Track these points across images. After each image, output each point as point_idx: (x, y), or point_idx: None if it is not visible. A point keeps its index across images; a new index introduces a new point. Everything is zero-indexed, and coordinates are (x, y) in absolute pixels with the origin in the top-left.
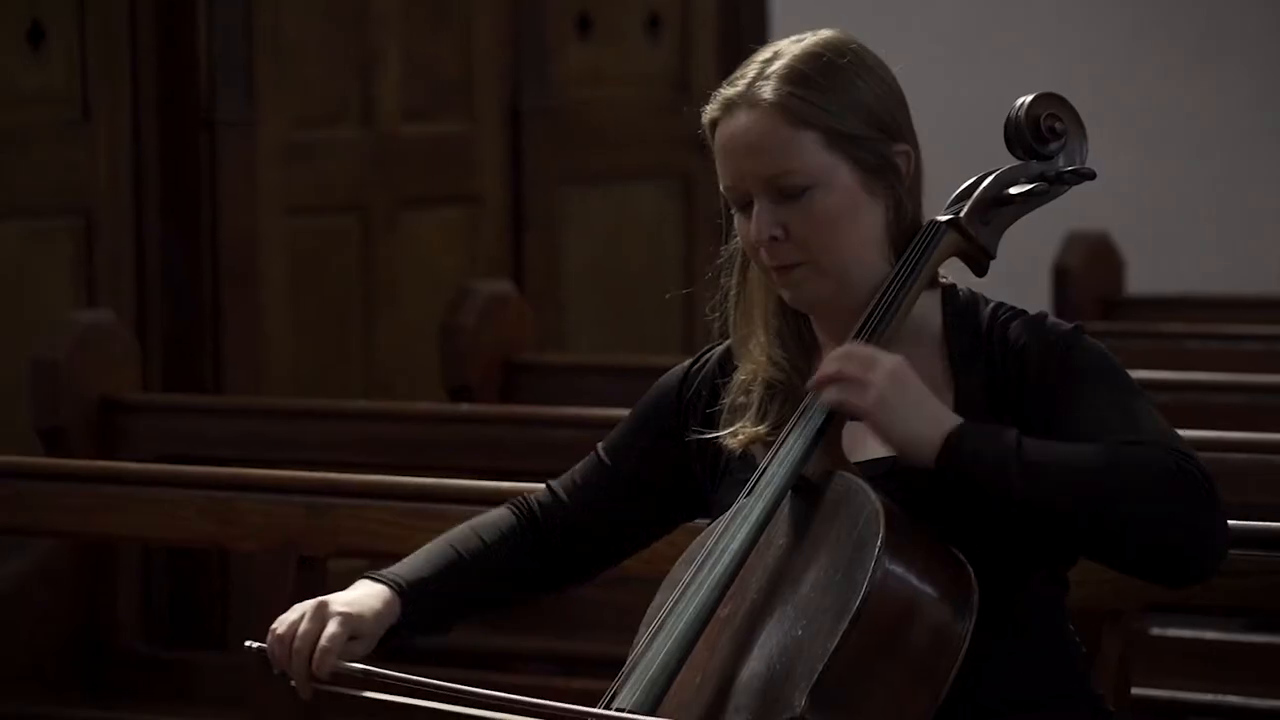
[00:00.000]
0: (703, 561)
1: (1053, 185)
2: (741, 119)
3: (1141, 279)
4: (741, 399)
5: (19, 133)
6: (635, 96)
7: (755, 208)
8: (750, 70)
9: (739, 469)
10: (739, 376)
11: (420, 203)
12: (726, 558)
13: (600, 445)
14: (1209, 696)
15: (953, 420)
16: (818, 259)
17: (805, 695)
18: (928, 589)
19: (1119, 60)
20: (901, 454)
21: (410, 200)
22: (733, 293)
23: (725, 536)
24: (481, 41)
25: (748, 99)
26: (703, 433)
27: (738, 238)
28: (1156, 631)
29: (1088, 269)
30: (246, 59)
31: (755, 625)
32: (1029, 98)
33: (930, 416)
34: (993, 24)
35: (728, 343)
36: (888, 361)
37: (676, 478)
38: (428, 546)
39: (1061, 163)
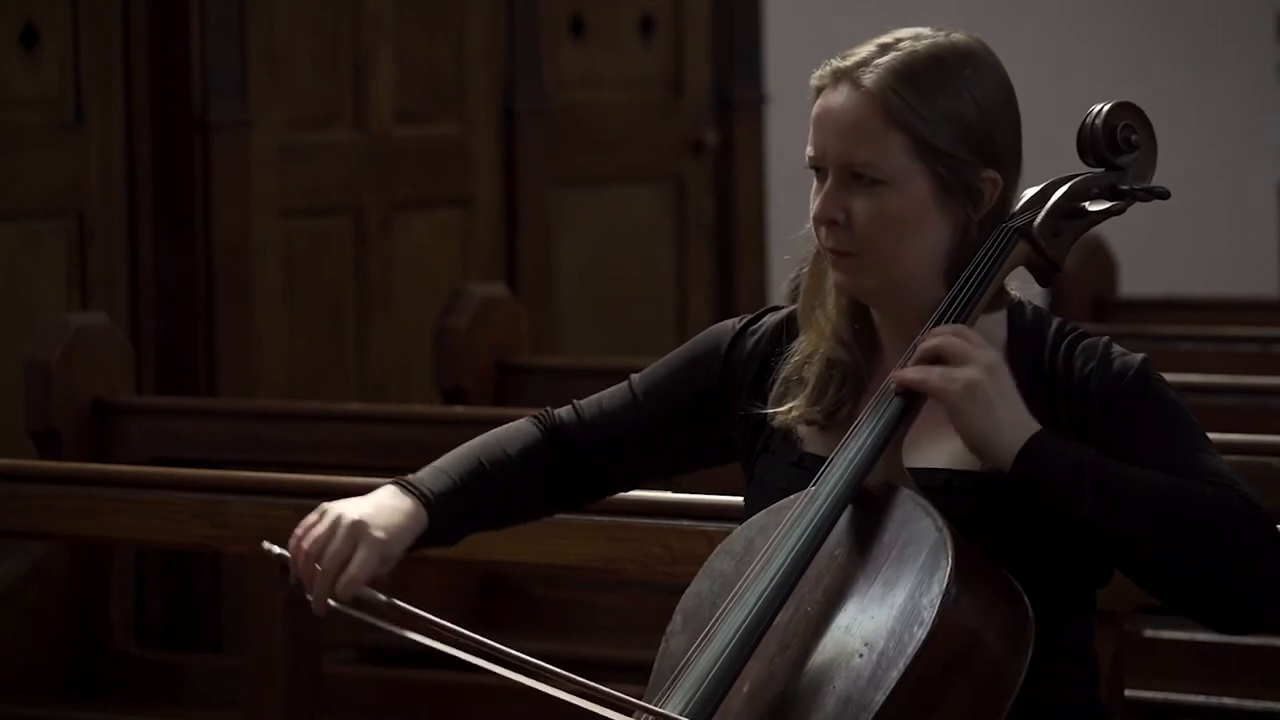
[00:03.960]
0: (760, 566)
1: (1126, 202)
2: (839, 95)
3: (1134, 280)
4: (797, 375)
5: (12, 135)
6: (628, 99)
7: (827, 184)
8: (867, 50)
9: (781, 447)
10: (799, 347)
11: (414, 205)
12: (786, 566)
13: (634, 376)
14: (1202, 698)
15: (1033, 427)
16: (869, 255)
17: None
18: (990, 621)
19: (1113, 63)
20: (976, 452)
21: (404, 202)
22: (809, 263)
23: (783, 542)
24: (475, 43)
25: (851, 78)
26: (752, 404)
27: None
28: (1150, 633)
29: (1081, 270)
30: (239, 61)
31: (811, 642)
32: (1107, 105)
33: (1013, 419)
34: (989, 25)
35: (785, 311)
36: (986, 356)
37: (706, 431)
38: (454, 454)
39: (1133, 177)
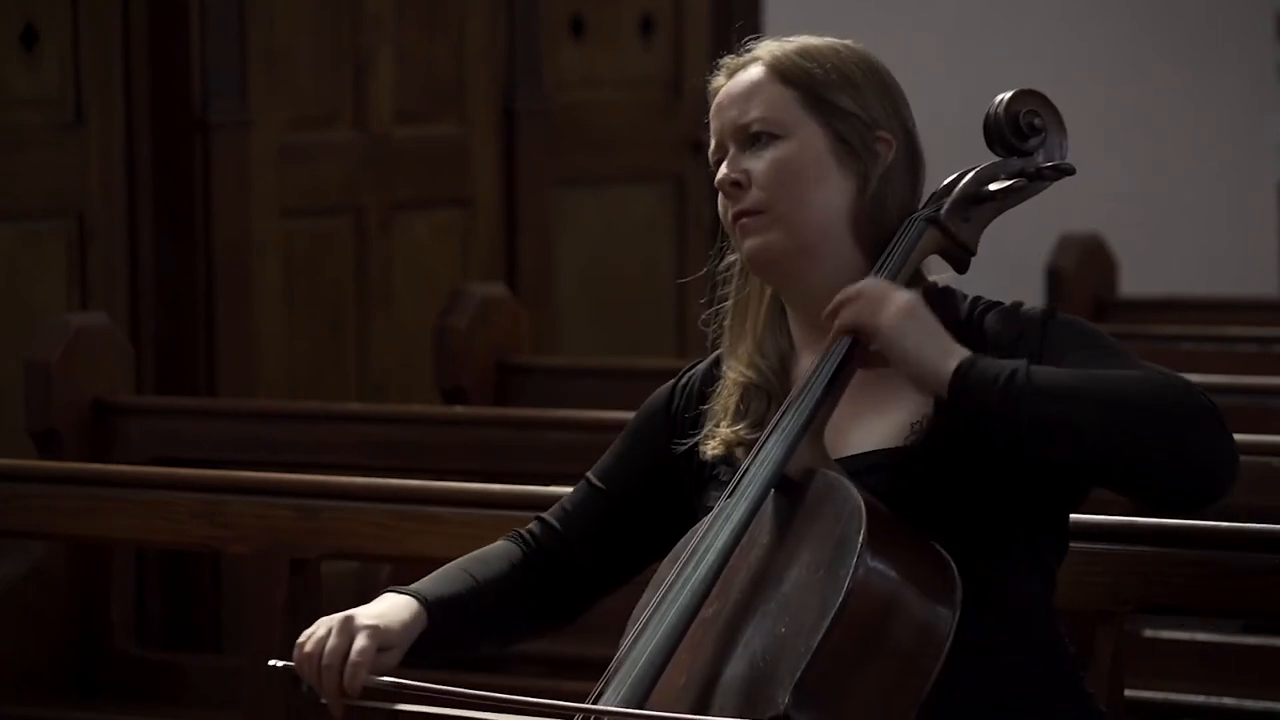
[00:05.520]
0: (686, 562)
1: (1032, 181)
2: (736, 76)
3: (1134, 280)
4: (719, 405)
5: (12, 135)
6: (628, 99)
7: (728, 155)
8: (761, 43)
9: (724, 473)
10: (723, 382)
11: (414, 205)
12: (710, 558)
13: (590, 472)
14: (1203, 698)
15: (964, 351)
16: (775, 209)
17: (789, 693)
18: (910, 586)
19: (1113, 62)
20: (913, 378)
21: (404, 202)
22: (731, 301)
23: (708, 537)
24: (475, 43)
25: (747, 61)
26: (683, 443)
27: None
28: (1150, 633)
29: (1081, 270)
30: (239, 61)
31: (739, 625)
32: (1007, 94)
33: (943, 345)
34: (990, 25)
35: (712, 356)
36: (904, 294)
37: (672, 497)
38: (442, 569)
39: (1041, 158)
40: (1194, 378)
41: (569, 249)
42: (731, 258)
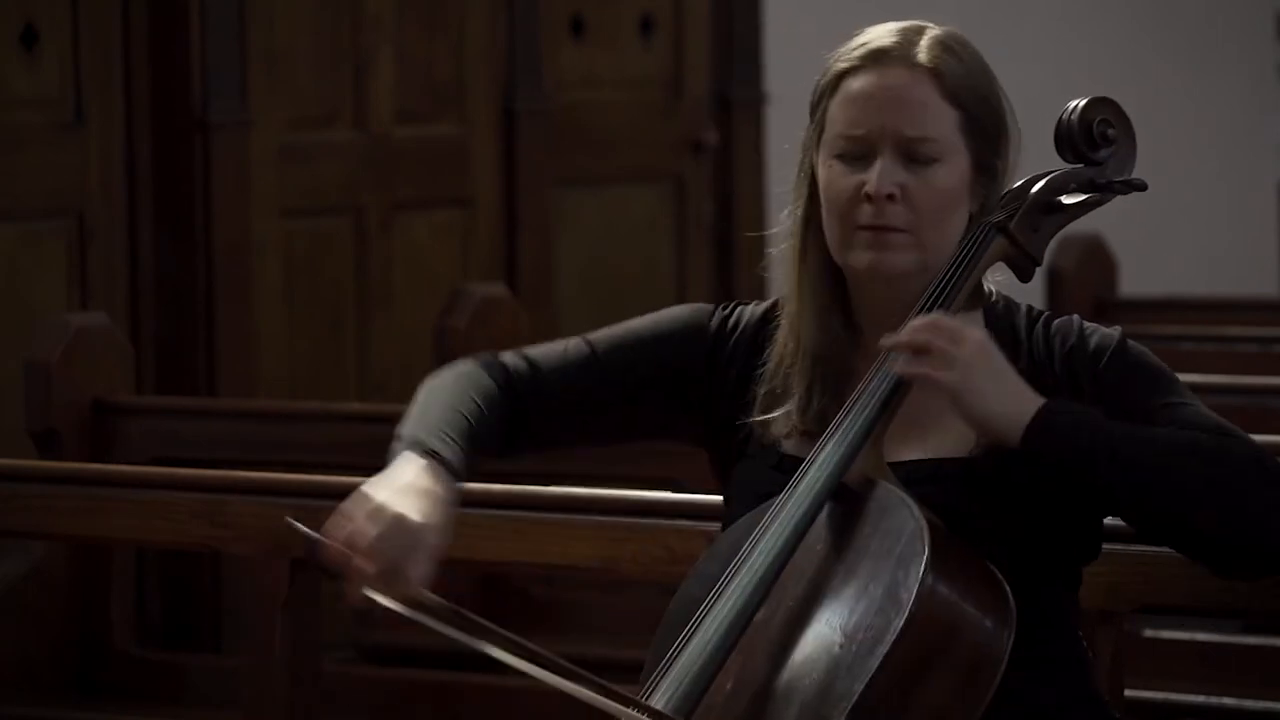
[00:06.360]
0: (740, 563)
1: (1103, 194)
2: (895, 73)
3: (1134, 280)
4: (781, 383)
5: (12, 135)
6: (628, 99)
7: (879, 162)
8: (893, 33)
9: (759, 451)
10: (780, 351)
11: (414, 205)
12: (765, 562)
13: (589, 336)
14: (1202, 698)
15: (1036, 400)
16: (921, 232)
17: (845, 716)
18: (969, 608)
19: (1113, 62)
20: (982, 431)
21: (404, 202)
22: (795, 251)
23: (763, 539)
24: (475, 43)
25: (904, 56)
26: (735, 407)
27: (800, 204)
28: (1150, 633)
29: (1081, 270)
30: (239, 61)
31: (791, 635)
32: (1082, 101)
33: (1014, 394)
34: (990, 25)
35: (761, 309)
36: (975, 335)
37: (680, 411)
38: (445, 410)
39: (1111, 170)
40: (1194, 378)
41: (569, 249)
42: (798, 208)
